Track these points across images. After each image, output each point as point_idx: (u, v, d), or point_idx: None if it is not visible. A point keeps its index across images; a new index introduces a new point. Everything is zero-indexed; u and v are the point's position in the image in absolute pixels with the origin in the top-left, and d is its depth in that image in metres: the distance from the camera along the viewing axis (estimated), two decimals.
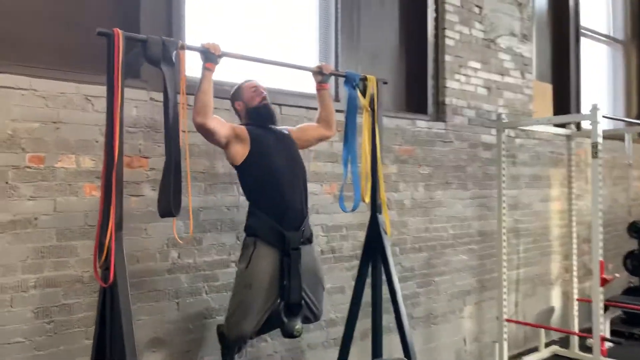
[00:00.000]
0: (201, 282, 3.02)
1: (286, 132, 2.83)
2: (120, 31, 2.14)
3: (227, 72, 2.96)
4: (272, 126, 2.78)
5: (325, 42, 3.84)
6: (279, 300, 2.62)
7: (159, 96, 2.83)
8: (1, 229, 2.41)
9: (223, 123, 2.61)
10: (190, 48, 2.39)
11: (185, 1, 3.09)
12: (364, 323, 3.37)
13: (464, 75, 4.60)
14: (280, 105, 3.39)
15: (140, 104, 2.82)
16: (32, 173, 2.49)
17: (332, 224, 3.66)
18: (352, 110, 3.02)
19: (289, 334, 2.61)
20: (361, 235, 3.77)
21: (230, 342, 2.65)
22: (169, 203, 2.22)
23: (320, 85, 2.92)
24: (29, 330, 2.47)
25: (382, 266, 3.10)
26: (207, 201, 3.06)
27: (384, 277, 3.11)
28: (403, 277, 4.09)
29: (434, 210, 4.36)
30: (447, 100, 4.47)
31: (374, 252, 3.17)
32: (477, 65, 4.72)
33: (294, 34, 3.72)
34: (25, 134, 2.46)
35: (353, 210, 2.96)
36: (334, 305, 3.64)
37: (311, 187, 3.51)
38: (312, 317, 2.77)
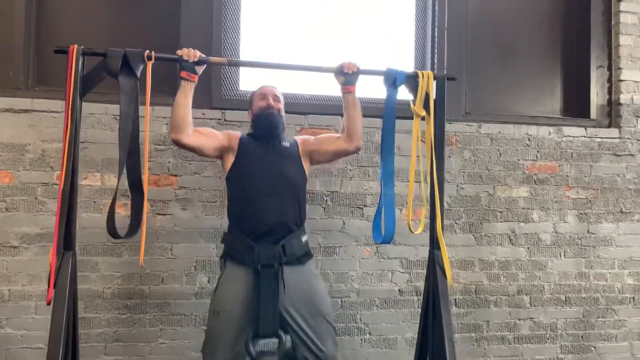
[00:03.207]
0: None
1: (288, 144, 2.38)
2: (76, 47, 2.10)
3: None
4: (277, 137, 2.37)
5: (422, 40, 3.18)
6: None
7: (193, 113, 2.74)
8: (29, 240, 2.62)
9: (212, 134, 2.34)
10: (160, 58, 2.19)
11: (239, 21, 2.99)
12: None
13: None
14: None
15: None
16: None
17: (416, 259, 2.97)
18: (389, 116, 2.36)
19: None
20: (463, 276, 3.02)
21: None
22: (114, 223, 2.06)
23: (345, 87, 2.37)
24: None
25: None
26: None
27: None
28: (537, 336, 3.08)
29: (595, 250, 3.17)
30: (624, 98, 3.23)
31: (433, 297, 2.43)
32: None
33: (385, 34, 3.18)
34: (54, 153, 2.64)
35: (384, 242, 2.30)
36: None
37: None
38: (313, 359, 2.21)
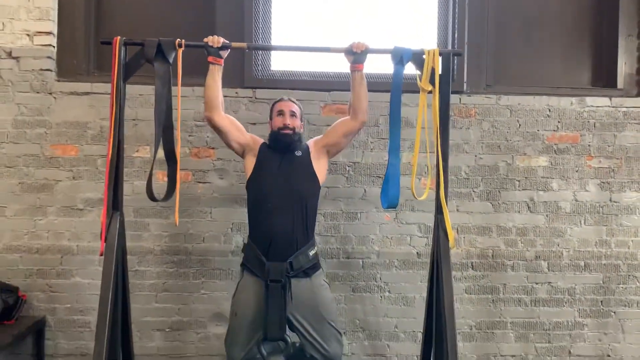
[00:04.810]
0: None
1: (300, 153, 2.60)
2: (118, 38, 2.47)
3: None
4: (292, 152, 2.60)
5: (444, 13, 3.31)
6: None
7: (227, 92, 3.09)
8: (92, 204, 3.09)
9: (240, 129, 2.62)
10: (190, 45, 2.51)
11: (270, 8, 3.26)
12: None
13: None
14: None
15: None
16: None
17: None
18: (396, 92, 2.56)
19: None
20: (480, 241, 3.18)
21: None
22: (151, 188, 2.43)
23: (354, 66, 2.59)
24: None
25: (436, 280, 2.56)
26: None
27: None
28: (555, 300, 3.21)
29: (617, 218, 3.22)
30: None
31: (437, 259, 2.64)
32: None
33: (408, 14, 3.35)
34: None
35: (389, 207, 2.53)
36: None
37: (405, 180, 3.15)
38: (320, 358, 2.51)
